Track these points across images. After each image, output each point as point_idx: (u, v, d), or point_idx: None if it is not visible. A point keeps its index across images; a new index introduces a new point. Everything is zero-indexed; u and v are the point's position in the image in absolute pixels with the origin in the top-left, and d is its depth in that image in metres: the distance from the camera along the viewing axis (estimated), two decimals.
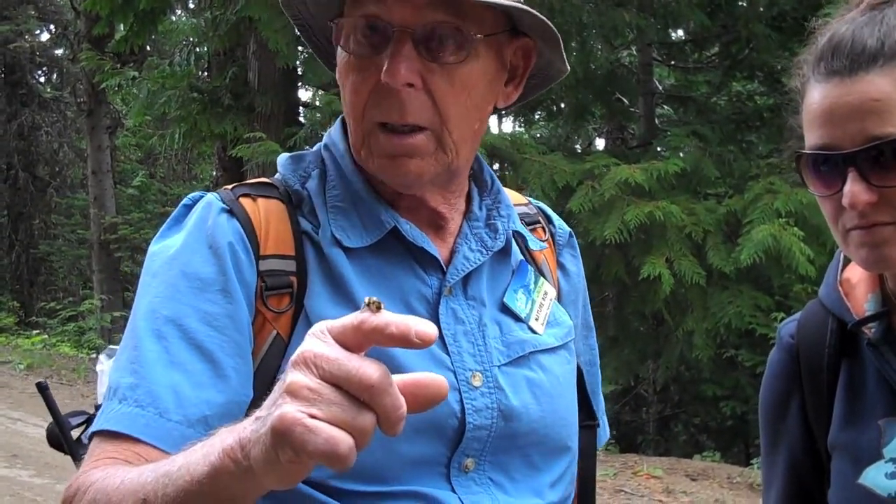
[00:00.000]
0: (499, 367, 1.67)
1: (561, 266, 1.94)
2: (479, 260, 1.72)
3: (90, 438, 1.54)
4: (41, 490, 8.39)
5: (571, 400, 1.79)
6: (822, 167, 1.65)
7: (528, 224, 1.89)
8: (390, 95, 1.56)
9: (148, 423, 1.47)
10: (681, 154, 11.66)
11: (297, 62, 13.49)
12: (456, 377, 1.61)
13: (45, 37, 29.26)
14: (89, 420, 2.01)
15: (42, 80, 29.47)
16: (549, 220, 1.97)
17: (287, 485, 1.10)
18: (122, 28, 14.61)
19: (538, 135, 18.36)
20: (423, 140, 1.59)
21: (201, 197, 1.70)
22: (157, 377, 1.50)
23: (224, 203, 1.65)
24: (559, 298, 1.88)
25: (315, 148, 1.81)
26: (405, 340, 1.02)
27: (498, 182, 1.84)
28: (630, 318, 12.92)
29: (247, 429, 1.12)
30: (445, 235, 1.74)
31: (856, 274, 1.81)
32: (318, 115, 13.59)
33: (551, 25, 1.68)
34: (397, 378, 1.05)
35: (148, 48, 19.01)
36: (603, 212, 10.17)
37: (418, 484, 1.56)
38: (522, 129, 18.87)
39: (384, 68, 1.54)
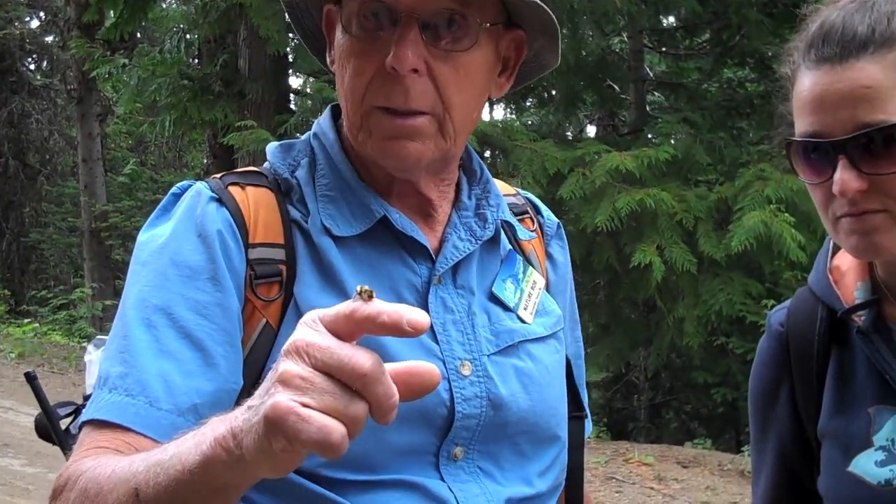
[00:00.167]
0: (488, 356, 1.67)
1: (549, 256, 1.94)
2: (469, 249, 1.72)
3: (80, 428, 1.54)
4: (33, 479, 8.39)
5: (560, 389, 1.79)
6: (812, 154, 1.65)
7: (516, 214, 1.88)
8: (395, 81, 1.56)
9: (138, 412, 1.46)
10: (672, 141, 11.67)
11: (288, 49, 13.47)
12: (445, 366, 1.61)
13: (34, 24, 29.11)
14: (77, 411, 2.00)
15: (32, 67, 29.32)
16: (537, 210, 1.97)
17: (279, 473, 1.10)
18: (111, 15, 14.55)
19: (529, 122, 18.34)
20: (424, 123, 1.60)
21: (190, 185, 1.69)
22: (147, 366, 1.49)
23: (213, 191, 1.64)
24: (548, 288, 1.88)
25: (304, 137, 1.81)
26: (397, 329, 1.02)
27: (487, 172, 1.84)
28: (621, 305, 12.94)
29: (238, 418, 1.12)
30: (435, 224, 1.74)
31: (845, 262, 1.81)
32: (309, 102, 13.56)
33: (554, 20, 1.70)
34: (389, 367, 1.05)
35: (138, 35, 18.99)
36: (594, 199, 10.17)
37: (408, 472, 1.56)
38: (513, 117, 18.87)
39: (391, 54, 1.54)
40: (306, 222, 1.65)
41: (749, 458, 2.05)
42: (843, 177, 1.58)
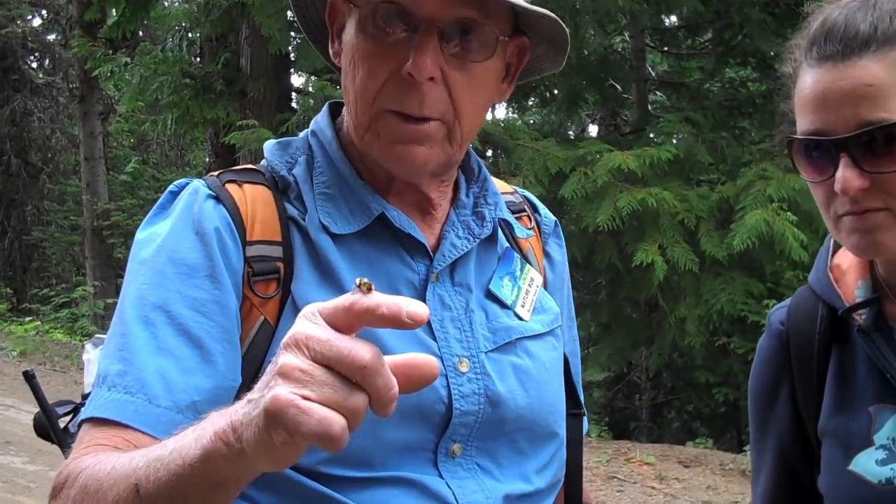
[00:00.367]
0: (486, 353, 1.67)
1: (547, 255, 1.95)
2: (466, 247, 1.72)
3: (79, 426, 1.54)
4: (34, 477, 8.40)
5: (558, 386, 1.79)
6: (814, 153, 1.64)
7: (514, 212, 1.89)
8: (411, 87, 1.56)
9: (137, 410, 1.46)
10: (673, 140, 11.68)
11: (290, 48, 13.48)
12: (443, 363, 1.61)
13: (37, 22, 29.12)
14: (76, 409, 2.01)
15: (34, 65, 29.36)
16: (534, 208, 1.98)
17: (280, 467, 1.10)
18: (113, 13, 14.56)
19: (531, 121, 18.36)
20: (435, 128, 1.60)
21: (187, 184, 1.69)
22: (146, 363, 1.49)
23: (210, 189, 1.64)
24: (545, 286, 1.88)
25: (302, 134, 1.80)
26: (396, 321, 1.02)
27: (485, 170, 1.84)
28: (623, 304, 12.94)
29: (238, 412, 1.12)
30: (433, 222, 1.74)
31: (846, 260, 1.81)
32: (311, 101, 13.57)
33: (566, 33, 1.71)
34: (388, 359, 1.05)
35: (140, 34, 19.00)
36: (596, 198, 10.17)
37: (406, 469, 1.56)
38: (515, 116, 18.89)
39: (410, 60, 1.54)
40: (304, 220, 1.65)
41: (750, 457, 2.04)
42: (845, 175, 1.57)
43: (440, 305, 1.67)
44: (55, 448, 2.05)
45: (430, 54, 1.54)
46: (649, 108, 15.36)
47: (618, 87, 14.94)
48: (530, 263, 1.85)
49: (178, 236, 1.59)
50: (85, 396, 1.87)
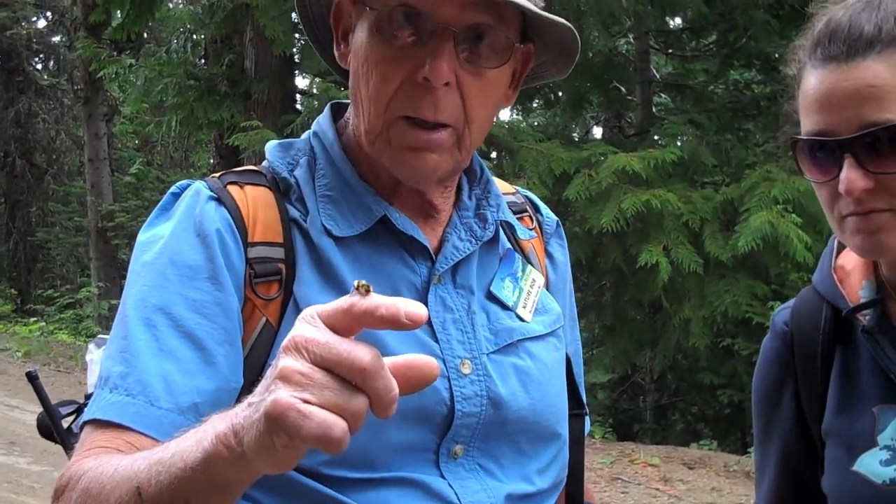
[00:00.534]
0: (487, 354, 1.67)
1: (549, 255, 1.94)
2: (469, 249, 1.72)
3: (81, 427, 1.54)
4: (38, 477, 8.41)
5: (560, 387, 1.79)
6: (818, 153, 1.64)
7: (515, 213, 1.88)
8: (426, 92, 1.56)
9: (138, 412, 1.46)
10: (678, 142, 11.65)
11: (294, 50, 13.49)
12: (445, 365, 1.61)
13: (41, 24, 29.22)
14: (79, 410, 2.01)
15: (39, 67, 29.42)
16: (536, 209, 1.97)
17: (281, 469, 1.10)
18: (118, 15, 14.59)
19: (535, 123, 18.37)
20: (446, 136, 1.60)
21: (189, 185, 1.69)
22: (147, 365, 1.49)
23: (212, 191, 1.64)
24: (547, 287, 1.88)
25: (304, 136, 1.80)
26: (395, 322, 1.02)
27: (487, 171, 1.84)
28: (627, 306, 12.93)
29: (239, 415, 1.12)
30: (435, 224, 1.74)
31: (850, 261, 1.81)
32: (316, 102, 13.59)
33: (577, 41, 1.71)
34: (388, 360, 1.05)
35: (145, 35, 19.00)
36: (600, 200, 10.16)
37: (408, 470, 1.56)
38: (520, 118, 18.87)
39: (428, 65, 1.53)
40: (305, 221, 1.65)
41: (754, 458, 2.04)
42: (849, 176, 1.57)
43: (442, 307, 1.66)
44: (59, 448, 2.06)
45: (447, 59, 1.53)
46: (653, 110, 15.35)
47: (622, 89, 14.92)
48: (532, 264, 1.84)
49: (179, 238, 1.59)
50: (88, 397, 1.88)
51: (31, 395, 10.77)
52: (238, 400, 1.47)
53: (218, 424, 1.16)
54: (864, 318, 1.74)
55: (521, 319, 1.75)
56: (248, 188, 1.66)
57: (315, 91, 16.18)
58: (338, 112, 1.80)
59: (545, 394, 1.72)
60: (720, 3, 12.82)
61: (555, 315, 1.83)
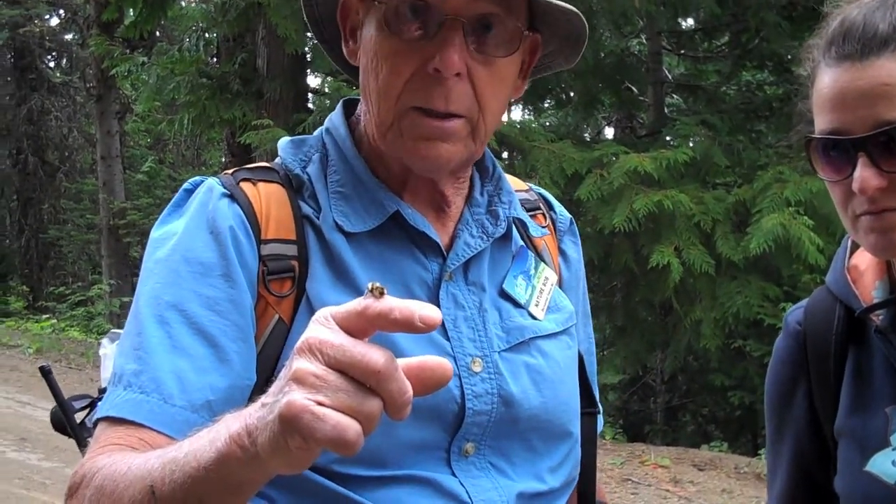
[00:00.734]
0: (499, 352, 1.66)
1: (562, 252, 1.94)
2: (480, 246, 1.72)
3: (95, 424, 1.54)
4: (49, 473, 8.43)
5: (573, 385, 1.79)
6: (831, 152, 1.63)
7: (528, 210, 1.88)
8: (438, 83, 1.56)
9: (152, 409, 1.47)
10: (690, 143, 11.61)
11: (306, 48, 13.47)
12: (456, 363, 1.60)
13: (54, 21, 29.26)
14: (93, 404, 2.01)
15: (52, 65, 29.49)
16: (549, 206, 1.97)
17: (294, 470, 1.11)
18: (131, 13, 14.61)
19: (547, 123, 18.31)
20: (459, 125, 1.60)
21: (202, 182, 1.70)
22: (161, 363, 1.50)
23: (225, 188, 1.65)
24: (560, 284, 1.88)
25: (316, 132, 1.80)
26: (409, 325, 1.02)
27: (499, 168, 1.84)
28: (638, 307, 12.89)
29: (253, 415, 1.12)
30: (447, 220, 1.74)
31: (864, 260, 1.80)
32: (328, 101, 13.57)
33: (585, 28, 1.71)
34: (401, 362, 1.05)
35: (157, 33, 19.04)
36: (612, 200, 10.13)
37: (420, 468, 1.57)
38: (531, 117, 18.84)
39: (438, 56, 1.54)
40: (318, 218, 1.65)
41: (765, 461, 2.04)
42: (863, 174, 1.57)
43: (453, 305, 1.66)
44: (71, 445, 2.06)
45: (457, 50, 1.54)
46: (665, 110, 15.31)
47: (634, 89, 14.89)
48: (545, 262, 1.84)
49: (192, 235, 1.60)
50: (102, 391, 1.88)
51: (42, 392, 10.83)
52: (251, 397, 1.48)
53: (231, 424, 1.16)
54: (878, 318, 1.73)
55: (534, 317, 1.75)
56: (260, 185, 1.67)
57: (327, 90, 16.16)
58: (350, 109, 1.80)
59: (557, 392, 1.71)
60: (732, 3, 12.78)
61: (567, 313, 1.82)
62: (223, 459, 1.16)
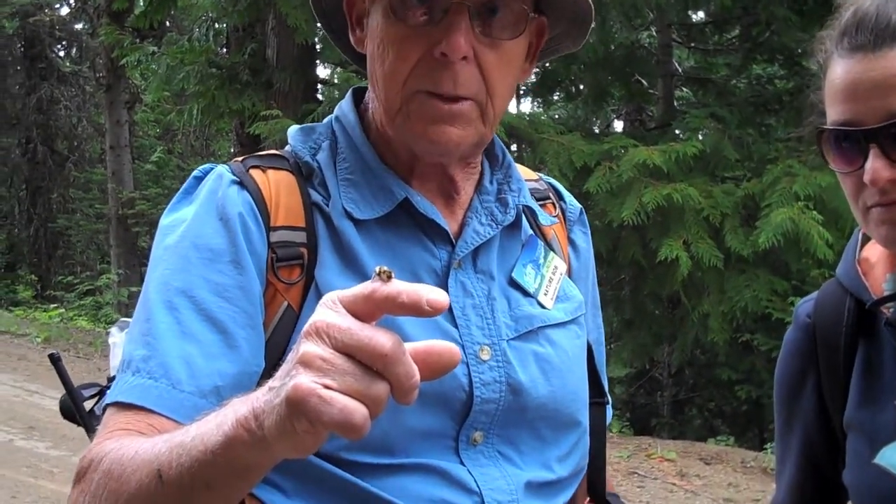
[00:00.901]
0: (507, 341, 1.66)
1: (571, 242, 1.94)
2: (489, 234, 1.72)
3: (104, 410, 1.55)
4: (57, 462, 8.46)
5: (581, 374, 1.78)
6: (843, 143, 1.63)
7: (538, 199, 1.88)
8: (445, 67, 1.56)
9: (161, 395, 1.47)
10: (699, 136, 11.59)
11: (316, 39, 13.46)
12: (464, 351, 1.60)
13: (64, 11, 29.28)
14: (102, 392, 2.02)
15: (61, 54, 29.50)
16: (559, 195, 1.97)
17: (301, 454, 1.11)
18: (141, 3, 14.63)
19: (556, 115, 18.29)
20: (468, 108, 1.60)
21: (211, 169, 1.70)
22: (170, 348, 1.50)
23: (234, 175, 1.65)
24: (569, 274, 1.87)
25: (326, 120, 1.80)
26: (416, 309, 1.02)
27: (509, 156, 1.83)
28: (646, 300, 12.88)
29: (260, 399, 1.12)
30: (456, 208, 1.74)
31: (874, 253, 1.79)
32: (337, 92, 13.58)
33: (591, 8, 1.71)
34: (408, 346, 1.05)
35: (167, 23, 19.03)
36: (620, 193, 10.12)
37: (427, 456, 1.56)
38: (541, 110, 18.81)
39: (445, 41, 1.54)
40: (327, 205, 1.65)
41: (772, 455, 2.03)
42: (875, 166, 1.56)
43: (462, 292, 1.66)
44: (78, 433, 2.06)
45: (463, 33, 1.54)
46: (675, 103, 15.27)
47: (644, 82, 14.88)
48: (554, 251, 1.84)
49: (201, 221, 1.60)
50: (111, 379, 1.88)
51: (50, 381, 10.86)
52: (259, 384, 1.48)
53: (239, 408, 1.16)
54: (888, 310, 1.73)
55: (543, 306, 1.74)
56: (270, 172, 1.67)
57: (336, 80, 16.18)
58: (360, 97, 1.80)
59: (565, 381, 1.71)
60: None
61: (576, 302, 1.82)
62: (230, 443, 1.16)
